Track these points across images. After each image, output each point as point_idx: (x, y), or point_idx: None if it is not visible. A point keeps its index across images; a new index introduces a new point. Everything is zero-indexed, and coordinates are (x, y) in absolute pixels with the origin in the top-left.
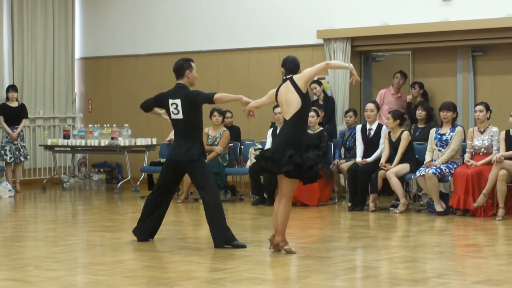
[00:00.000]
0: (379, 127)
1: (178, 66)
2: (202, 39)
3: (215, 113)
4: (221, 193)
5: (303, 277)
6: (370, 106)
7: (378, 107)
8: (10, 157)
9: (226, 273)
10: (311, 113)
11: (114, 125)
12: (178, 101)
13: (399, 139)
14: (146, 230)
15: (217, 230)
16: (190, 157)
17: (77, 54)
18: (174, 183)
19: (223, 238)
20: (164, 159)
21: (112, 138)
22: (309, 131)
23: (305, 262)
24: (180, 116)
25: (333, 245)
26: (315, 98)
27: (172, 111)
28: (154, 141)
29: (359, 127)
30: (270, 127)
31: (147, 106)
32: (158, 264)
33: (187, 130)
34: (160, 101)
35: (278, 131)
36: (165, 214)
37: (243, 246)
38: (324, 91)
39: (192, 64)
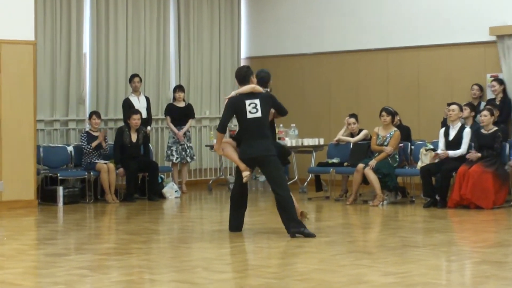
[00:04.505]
0: None
1: (242, 73)
2: (370, 37)
3: (384, 113)
4: (391, 195)
5: (479, 282)
6: None
7: None
8: (177, 158)
9: (399, 278)
10: (484, 112)
11: (281, 125)
12: (257, 101)
13: None
14: (238, 222)
15: (291, 222)
16: (271, 152)
17: (243, 53)
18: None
19: (297, 229)
20: (327, 160)
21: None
22: (482, 130)
23: (481, 267)
24: (259, 114)
25: (510, 249)
26: (492, 96)
27: (250, 111)
28: (322, 141)
29: None
30: (442, 127)
31: (224, 126)
32: (328, 267)
33: (265, 128)
34: (234, 106)
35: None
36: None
37: (313, 235)
38: (504, 91)
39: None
